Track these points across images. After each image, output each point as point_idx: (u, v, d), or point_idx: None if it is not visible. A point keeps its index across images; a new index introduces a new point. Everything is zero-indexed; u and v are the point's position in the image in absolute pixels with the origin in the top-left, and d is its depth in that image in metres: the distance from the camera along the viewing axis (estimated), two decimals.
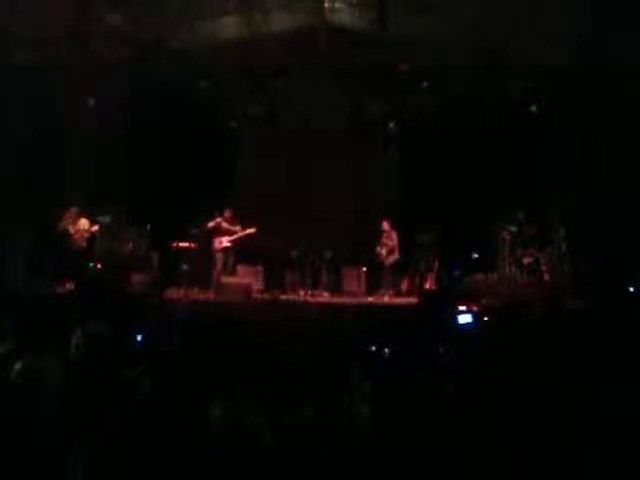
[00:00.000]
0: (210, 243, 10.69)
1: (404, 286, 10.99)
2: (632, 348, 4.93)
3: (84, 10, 9.66)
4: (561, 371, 4.22)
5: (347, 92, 11.10)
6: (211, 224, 10.66)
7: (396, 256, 10.73)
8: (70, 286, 9.40)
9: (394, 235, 10.77)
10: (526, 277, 10.19)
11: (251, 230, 10.60)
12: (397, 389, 3.73)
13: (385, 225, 10.83)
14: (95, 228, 10.33)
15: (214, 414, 2.36)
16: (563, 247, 10.28)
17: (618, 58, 9.46)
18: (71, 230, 10.22)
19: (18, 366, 2.65)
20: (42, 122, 10.35)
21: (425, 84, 10.89)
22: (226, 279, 10.38)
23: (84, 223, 10.29)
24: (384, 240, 10.77)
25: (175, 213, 10.70)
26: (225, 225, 10.73)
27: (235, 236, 10.65)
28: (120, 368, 2.93)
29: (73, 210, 10.27)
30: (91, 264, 10.30)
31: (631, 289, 9.29)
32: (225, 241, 10.66)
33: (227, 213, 10.78)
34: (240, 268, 11.04)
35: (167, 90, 10.84)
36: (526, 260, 10.28)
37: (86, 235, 10.29)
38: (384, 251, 10.72)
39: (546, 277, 10.17)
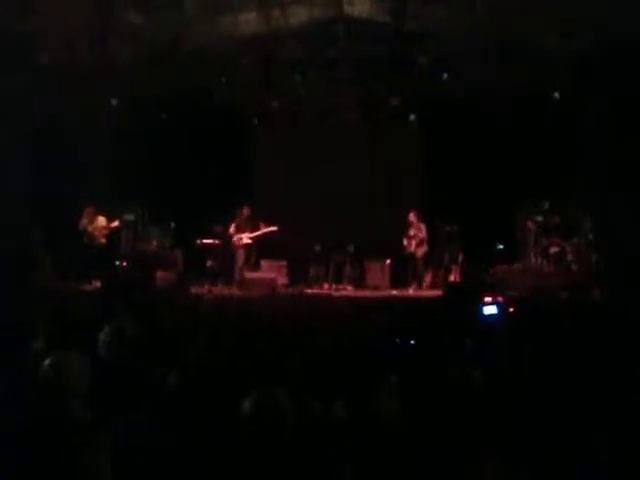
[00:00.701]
0: (231, 240, 10.69)
1: (428, 279, 10.93)
2: None
3: (102, 10, 9.74)
4: (587, 361, 4.17)
5: (366, 85, 11.05)
6: (231, 228, 10.64)
7: (426, 248, 10.66)
8: (96, 284, 9.52)
9: (423, 227, 10.68)
10: (552, 267, 10.07)
11: (272, 228, 10.58)
12: (424, 382, 3.72)
13: (412, 217, 10.73)
14: (115, 224, 10.43)
15: (245, 410, 2.37)
16: (590, 236, 10.14)
17: (635, 44, 9.28)
18: (89, 228, 10.35)
19: (47, 362, 2.68)
20: (63, 122, 10.49)
21: (445, 75, 10.80)
22: (250, 274, 10.43)
23: (101, 220, 10.41)
24: (413, 232, 10.68)
25: (198, 210, 10.78)
26: (244, 224, 10.67)
27: (256, 233, 10.63)
28: (148, 364, 2.96)
29: (89, 209, 10.38)
30: (117, 262, 10.43)
31: None
32: (245, 238, 10.65)
33: (246, 211, 10.72)
34: (264, 263, 11.09)
35: (187, 88, 10.91)
36: (552, 250, 10.16)
37: (105, 232, 10.40)
38: (414, 243, 10.65)
39: (573, 267, 10.05)
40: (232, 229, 10.66)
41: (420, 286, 10.59)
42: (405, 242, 10.72)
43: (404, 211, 11.03)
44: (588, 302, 8.55)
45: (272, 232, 10.59)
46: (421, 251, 10.67)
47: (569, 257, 10.12)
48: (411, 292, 10.44)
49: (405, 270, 11.14)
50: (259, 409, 2.49)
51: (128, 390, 2.79)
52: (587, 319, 6.11)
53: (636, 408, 3.23)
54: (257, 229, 10.67)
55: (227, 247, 10.69)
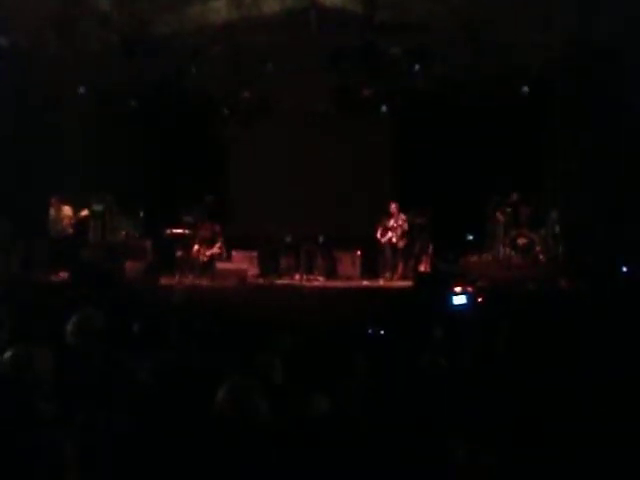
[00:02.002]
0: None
1: (399, 269, 10.99)
2: (624, 327, 4.97)
3: None
4: (555, 350, 4.24)
5: (338, 75, 11.02)
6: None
7: (406, 240, 10.66)
8: (64, 275, 9.37)
9: (403, 218, 10.65)
10: (521, 258, 10.23)
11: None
12: (395, 370, 3.75)
13: (393, 208, 10.71)
14: (84, 213, 10.26)
15: (217, 402, 2.36)
16: (557, 228, 10.32)
17: (608, 37, 9.43)
18: (56, 218, 10.17)
19: (9, 354, 2.63)
20: (28, 110, 10.26)
21: (417, 66, 10.81)
22: (221, 265, 10.36)
23: (68, 210, 10.23)
24: (394, 223, 10.69)
25: (168, 200, 10.65)
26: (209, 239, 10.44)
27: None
28: (116, 356, 2.92)
29: (55, 198, 10.20)
30: (85, 252, 10.27)
31: (624, 269, 9.32)
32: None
33: (209, 201, 10.43)
34: (235, 254, 11.02)
35: (156, 76, 10.75)
36: (521, 241, 10.31)
37: (72, 222, 10.22)
38: (394, 234, 10.65)
39: (541, 258, 10.22)
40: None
41: (392, 277, 10.64)
42: (379, 232, 10.74)
43: (375, 202, 11.05)
44: (555, 292, 8.71)
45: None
46: (402, 243, 10.69)
47: (537, 248, 10.29)
48: (382, 282, 10.48)
49: (376, 261, 11.20)
50: (231, 401, 2.48)
51: (95, 383, 2.76)
52: (554, 309, 6.22)
53: (603, 395, 3.29)
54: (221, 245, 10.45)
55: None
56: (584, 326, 5.09)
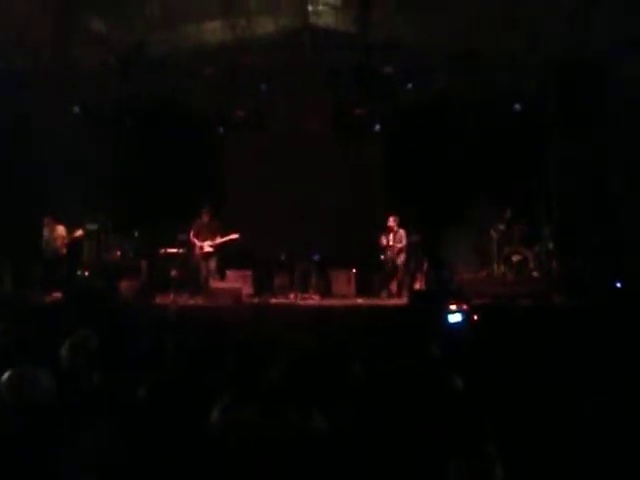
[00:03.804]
0: (193, 249, 10.51)
1: (393, 287, 10.98)
2: (620, 342, 4.98)
3: (65, 16, 9.61)
4: (552, 366, 4.25)
5: (332, 94, 11.11)
6: (191, 234, 10.40)
7: (405, 256, 10.64)
8: (58, 295, 9.33)
9: (403, 233, 10.63)
10: (515, 274, 10.25)
11: (234, 235, 10.38)
12: (392, 386, 3.73)
13: (392, 222, 10.68)
14: (79, 233, 10.24)
15: (214, 419, 2.35)
16: (550, 245, 10.37)
17: (600, 53, 9.57)
18: (50, 238, 10.15)
19: (6, 376, 2.62)
20: (24, 128, 10.29)
21: (409, 85, 10.92)
22: (215, 284, 10.34)
23: (61, 230, 10.21)
24: (391, 240, 10.68)
25: (163, 219, 10.65)
26: (204, 231, 10.43)
27: (217, 241, 10.42)
28: (113, 376, 2.91)
29: (49, 218, 10.19)
30: (79, 272, 10.25)
31: (618, 285, 9.36)
32: (207, 246, 10.47)
33: (205, 217, 10.42)
34: (229, 273, 11.01)
35: (151, 95, 10.82)
36: (514, 258, 10.35)
37: (66, 242, 10.20)
38: (392, 250, 10.65)
39: (534, 274, 10.25)
40: (191, 235, 10.44)
41: (390, 294, 10.58)
42: (385, 247, 10.65)
43: (369, 220, 11.09)
44: (549, 308, 8.72)
45: (234, 240, 10.41)
46: (401, 259, 10.68)
47: (530, 265, 10.32)
48: (379, 300, 10.45)
49: (371, 279, 11.21)
50: (226, 421, 2.48)
51: (92, 404, 2.74)
52: (549, 325, 6.23)
53: (598, 409, 3.29)
54: (216, 236, 10.46)
55: (191, 256, 10.54)
56: (579, 341, 5.10)
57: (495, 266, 10.51)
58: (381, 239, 10.79)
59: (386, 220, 10.77)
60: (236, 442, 2.42)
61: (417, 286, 10.68)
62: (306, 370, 3.27)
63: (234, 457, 2.33)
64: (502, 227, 10.58)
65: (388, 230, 10.73)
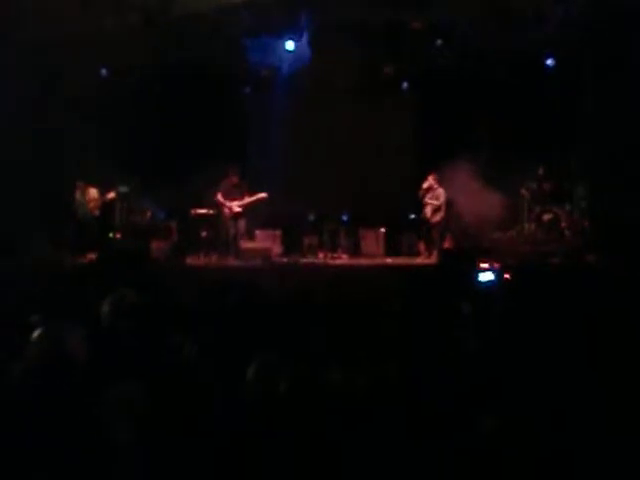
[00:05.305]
0: (222, 210, 10.49)
1: (421, 246, 10.95)
2: None
3: None
4: (583, 326, 4.21)
5: (360, 51, 10.91)
6: (219, 195, 10.40)
7: (443, 214, 10.53)
8: (91, 256, 9.49)
9: (442, 192, 10.51)
10: (546, 234, 10.13)
11: (262, 195, 10.30)
12: (423, 347, 3.76)
13: (431, 180, 10.58)
14: (111, 196, 10.37)
15: (248, 379, 2.40)
16: (583, 204, 10.19)
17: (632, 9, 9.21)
18: (82, 201, 10.29)
19: (43, 333, 2.65)
20: (51, 93, 10.32)
21: (439, 42, 10.67)
22: (245, 244, 10.41)
23: (94, 193, 10.35)
24: (429, 199, 10.57)
25: (192, 181, 10.70)
26: (232, 191, 10.38)
27: (246, 201, 10.37)
28: (155, 334, 2.97)
29: (81, 181, 10.30)
30: (111, 234, 10.41)
31: None
32: (235, 206, 10.43)
33: (234, 178, 10.33)
34: (259, 233, 11.07)
35: (177, 55, 10.75)
36: (546, 217, 10.21)
37: (98, 204, 10.34)
38: (429, 209, 10.57)
39: (566, 233, 10.11)
40: (220, 196, 10.44)
41: (430, 254, 10.43)
42: (426, 204, 10.56)
43: (397, 180, 11.00)
44: (582, 268, 8.61)
45: (262, 199, 10.37)
46: (437, 217, 10.55)
47: (562, 224, 10.18)
48: (408, 259, 10.43)
49: (400, 239, 11.20)
50: (261, 378, 2.53)
51: (132, 362, 2.81)
52: (581, 285, 6.15)
53: (626, 373, 3.26)
54: (244, 196, 10.40)
55: (220, 216, 10.58)
56: (610, 301, 5.04)
57: (526, 225, 10.40)
58: (421, 197, 10.65)
59: (416, 179, 10.67)
60: (269, 398, 2.47)
61: (446, 245, 10.63)
62: (342, 329, 3.32)
63: (271, 415, 2.38)
64: (534, 185, 10.42)
65: (427, 188, 10.60)
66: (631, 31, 9.52)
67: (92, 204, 10.35)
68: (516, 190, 10.50)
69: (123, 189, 10.44)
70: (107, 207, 10.51)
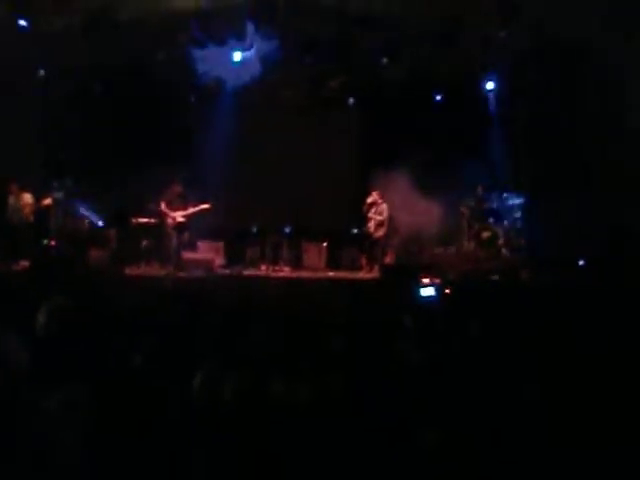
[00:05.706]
0: (165, 219, 10.31)
1: (363, 261, 11.05)
2: (583, 318, 5.09)
3: None
4: (521, 340, 4.33)
5: (307, 65, 10.98)
6: (162, 205, 10.18)
7: (385, 229, 10.66)
8: (24, 263, 9.13)
9: (385, 208, 10.67)
10: (484, 251, 10.40)
11: (205, 205, 10.15)
12: (364, 362, 3.77)
13: (375, 195, 10.72)
14: (48, 201, 10.02)
15: (194, 389, 2.36)
16: (519, 222, 10.53)
17: (574, 34, 9.64)
18: (17, 206, 9.92)
19: None
20: None
21: (384, 60, 10.86)
22: (187, 255, 10.25)
23: (28, 197, 9.98)
24: (372, 214, 10.69)
25: (132, 188, 10.48)
26: (175, 202, 10.19)
27: (189, 211, 10.18)
28: (90, 344, 2.88)
29: (14, 185, 9.93)
30: (45, 240, 10.05)
31: (580, 262, 9.56)
32: (179, 216, 10.24)
33: (176, 188, 10.15)
34: (201, 244, 10.93)
35: (120, 60, 10.55)
36: (484, 235, 10.49)
37: (32, 209, 9.97)
38: (372, 224, 10.67)
39: (503, 251, 10.41)
40: (163, 205, 10.26)
41: (372, 269, 10.54)
42: (369, 220, 10.69)
43: (341, 194, 11.08)
44: (517, 285, 8.87)
45: (206, 210, 10.24)
46: (380, 232, 10.68)
47: (500, 241, 10.48)
48: (349, 274, 10.51)
49: (341, 253, 11.27)
50: (206, 389, 2.48)
51: (69, 371, 2.71)
52: (516, 300, 6.34)
53: (564, 385, 3.36)
54: (188, 207, 10.25)
55: (162, 226, 10.37)
56: (545, 316, 5.20)
57: (465, 242, 10.65)
58: (365, 212, 10.77)
59: (359, 194, 10.79)
60: (216, 407, 2.43)
61: (387, 260, 10.76)
62: (286, 340, 3.30)
63: (216, 423, 2.34)
64: (472, 203, 10.69)
65: (370, 203, 10.72)
66: (568, 63, 9.98)
67: (27, 209, 9.97)
68: (456, 207, 10.75)
69: (59, 195, 10.11)
70: (42, 213, 10.14)
